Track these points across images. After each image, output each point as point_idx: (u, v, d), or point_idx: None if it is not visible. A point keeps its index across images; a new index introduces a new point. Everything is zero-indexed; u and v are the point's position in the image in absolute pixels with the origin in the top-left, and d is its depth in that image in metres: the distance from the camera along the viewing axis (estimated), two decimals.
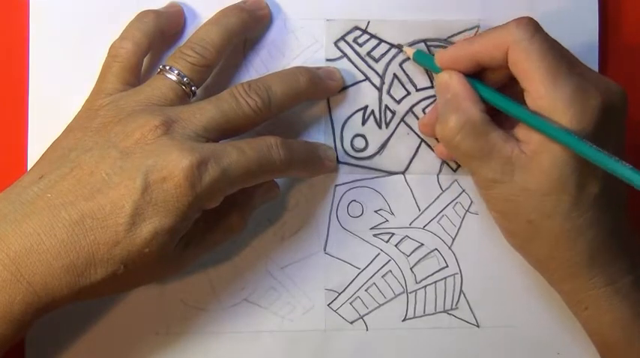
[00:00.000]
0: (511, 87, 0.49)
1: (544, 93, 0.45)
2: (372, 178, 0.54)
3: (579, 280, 0.48)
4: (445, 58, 0.50)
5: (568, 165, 0.46)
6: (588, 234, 0.47)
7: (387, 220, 0.54)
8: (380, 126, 0.54)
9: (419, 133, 0.54)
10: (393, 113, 0.54)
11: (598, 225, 0.47)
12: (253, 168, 0.45)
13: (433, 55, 0.51)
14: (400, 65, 0.54)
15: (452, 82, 0.49)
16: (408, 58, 0.54)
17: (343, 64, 0.54)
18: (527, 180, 0.47)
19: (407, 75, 0.54)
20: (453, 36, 0.54)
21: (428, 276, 0.55)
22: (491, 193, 0.49)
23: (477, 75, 0.50)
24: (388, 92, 0.54)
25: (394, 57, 0.54)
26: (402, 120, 0.54)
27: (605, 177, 0.46)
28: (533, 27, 0.46)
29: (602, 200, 0.47)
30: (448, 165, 0.54)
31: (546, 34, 0.47)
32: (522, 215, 0.48)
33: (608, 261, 0.48)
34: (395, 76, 0.54)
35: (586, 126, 0.45)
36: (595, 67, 0.54)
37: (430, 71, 0.53)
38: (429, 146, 0.54)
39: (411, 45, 0.54)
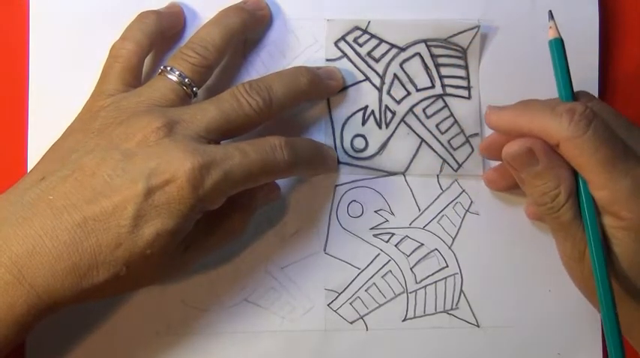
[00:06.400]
0: None
1: (603, 185, 0.44)
2: (372, 178, 0.54)
3: None
4: (496, 124, 0.48)
5: None
6: None
7: (387, 220, 0.54)
8: (380, 127, 0.54)
9: (419, 133, 0.54)
10: (393, 113, 0.54)
11: None
12: (256, 170, 0.45)
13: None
14: (400, 65, 0.54)
15: (540, 154, 0.46)
16: (409, 59, 0.54)
17: (343, 64, 0.54)
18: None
19: (407, 75, 0.54)
20: (453, 36, 0.54)
21: (428, 276, 0.55)
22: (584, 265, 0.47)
23: None
24: (388, 92, 0.54)
25: (394, 57, 0.54)
26: (403, 120, 0.54)
27: None
28: (586, 121, 0.44)
29: None
30: (448, 164, 0.54)
31: (602, 121, 0.45)
32: None
33: None
34: (395, 76, 0.54)
35: None
36: (595, 68, 0.54)
37: None
38: (429, 146, 0.54)
39: (411, 45, 0.54)
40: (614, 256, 0.46)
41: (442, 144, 0.54)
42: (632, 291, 0.46)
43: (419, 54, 0.54)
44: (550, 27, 0.48)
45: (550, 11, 0.48)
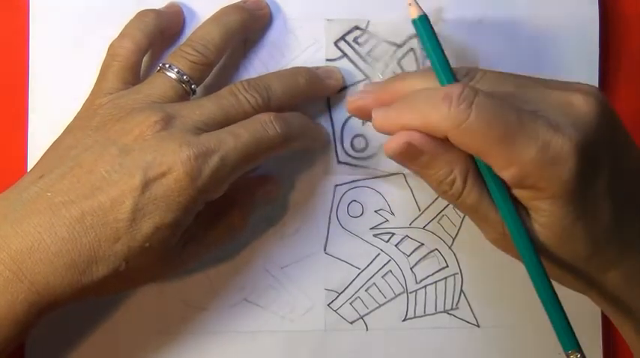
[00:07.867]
0: None
1: (508, 163, 0.40)
2: (372, 178, 0.54)
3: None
4: (385, 128, 0.43)
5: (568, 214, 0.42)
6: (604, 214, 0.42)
7: (387, 220, 0.54)
8: None
9: None
10: None
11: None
12: (252, 149, 0.45)
13: None
14: (398, 63, 0.54)
15: (422, 144, 0.42)
16: (404, 55, 0.53)
17: (343, 64, 0.54)
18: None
19: (403, 71, 0.54)
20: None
21: (428, 276, 0.55)
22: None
23: None
24: None
25: (393, 55, 0.54)
26: None
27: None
28: (466, 103, 0.40)
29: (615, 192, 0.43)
30: None
31: (485, 96, 0.40)
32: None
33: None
34: (394, 74, 0.54)
35: (568, 179, 0.40)
36: (595, 68, 0.54)
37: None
38: None
39: (407, 41, 0.53)
40: (538, 229, 0.42)
41: None
42: (560, 261, 0.44)
43: (412, 49, 0.54)
44: (409, 4, 0.44)
45: None
